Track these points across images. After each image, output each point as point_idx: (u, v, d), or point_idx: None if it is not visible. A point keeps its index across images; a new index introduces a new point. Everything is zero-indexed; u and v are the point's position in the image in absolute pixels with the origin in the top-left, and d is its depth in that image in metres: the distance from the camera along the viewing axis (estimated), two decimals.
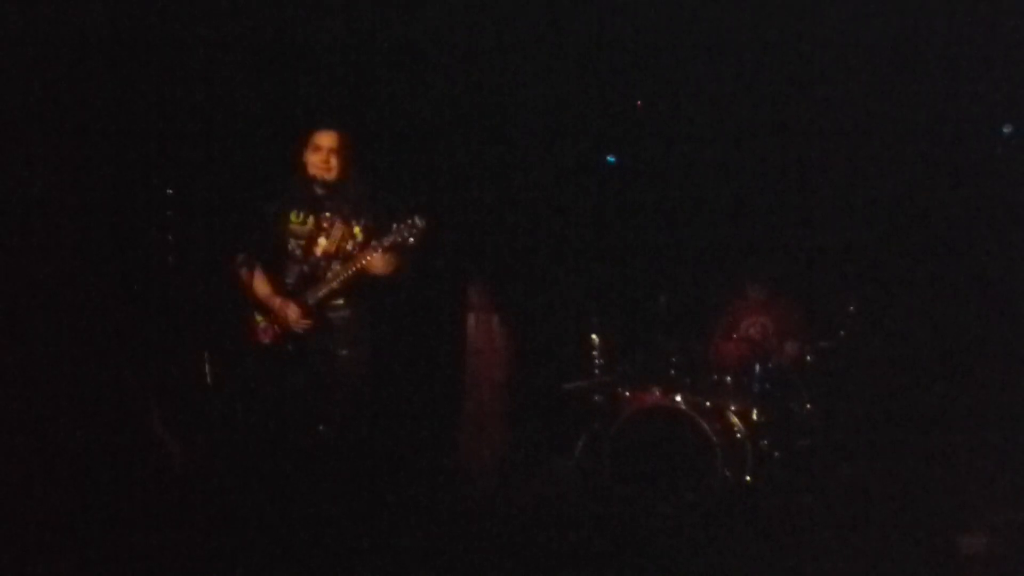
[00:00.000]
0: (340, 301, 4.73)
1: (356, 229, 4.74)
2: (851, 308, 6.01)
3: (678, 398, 5.76)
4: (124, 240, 5.44)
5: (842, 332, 6.01)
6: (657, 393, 5.93)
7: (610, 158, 7.59)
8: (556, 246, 7.30)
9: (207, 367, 5.36)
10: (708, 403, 5.78)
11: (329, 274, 4.69)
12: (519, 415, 6.98)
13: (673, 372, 6.01)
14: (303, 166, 4.73)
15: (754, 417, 5.88)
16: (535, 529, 5.34)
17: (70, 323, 5.16)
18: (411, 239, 4.53)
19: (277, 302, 4.68)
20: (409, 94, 6.38)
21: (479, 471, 6.59)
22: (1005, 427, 6.14)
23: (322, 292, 4.68)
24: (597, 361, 6.30)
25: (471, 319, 7.02)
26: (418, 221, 4.52)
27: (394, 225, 4.57)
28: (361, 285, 4.72)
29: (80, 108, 5.34)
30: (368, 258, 4.59)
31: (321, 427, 4.74)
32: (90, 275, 5.34)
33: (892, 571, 4.60)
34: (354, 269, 4.64)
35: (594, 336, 6.36)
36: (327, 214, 4.73)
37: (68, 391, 5.07)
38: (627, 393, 6.08)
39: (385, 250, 4.56)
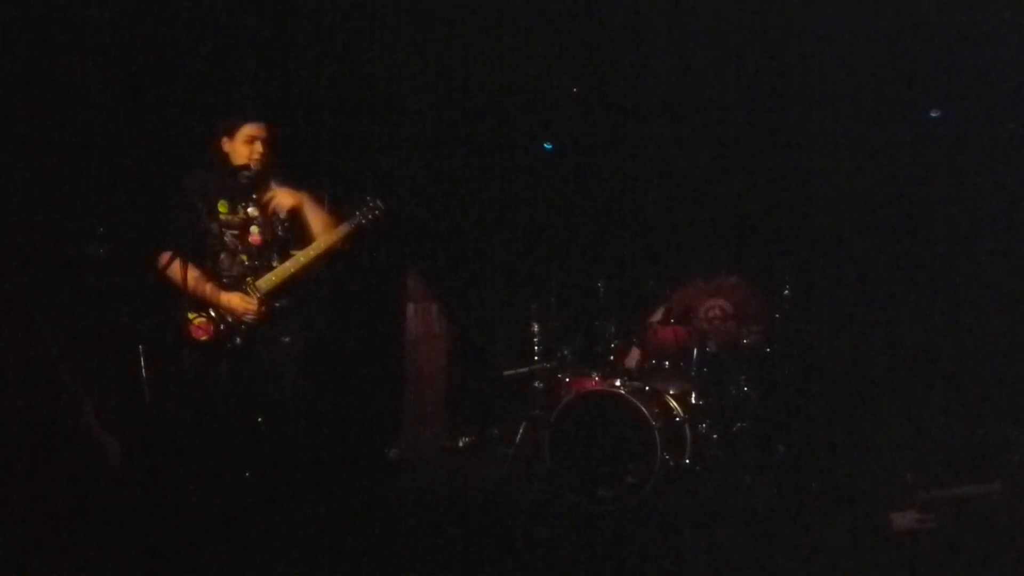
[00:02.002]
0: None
1: (281, 214, 4.69)
2: (785, 291, 6.06)
3: (617, 383, 5.78)
4: (54, 235, 5.33)
5: (776, 315, 6.06)
6: (596, 378, 5.95)
7: (547, 145, 7.57)
8: (494, 234, 7.30)
9: (142, 362, 5.30)
10: (647, 388, 5.81)
11: (275, 263, 4.62)
12: (460, 402, 7.03)
13: (612, 358, 6.02)
14: (225, 156, 4.65)
15: (692, 401, 5.93)
16: (477, 515, 5.38)
17: (2, 321, 5.10)
18: (375, 220, 4.62)
19: (220, 295, 4.57)
20: (342, 83, 6.35)
21: (420, 459, 6.63)
22: (935, 406, 6.29)
23: (275, 279, 4.61)
24: (537, 348, 6.32)
25: (410, 308, 7.04)
26: (380, 203, 4.61)
27: (359, 208, 4.63)
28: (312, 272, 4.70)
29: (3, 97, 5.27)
30: (331, 240, 4.58)
31: (260, 418, 4.67)
32: (20, 272, 5.26)
33: (828, 548, 4.68)
34: (314, 254, 4.61)
35: (534, 323, 6.38)
36: (252, 200, 4.68)
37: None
38: (567, 379, 6.09)
39: (348, 232, 4.57)
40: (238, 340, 4.59)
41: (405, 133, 6.76)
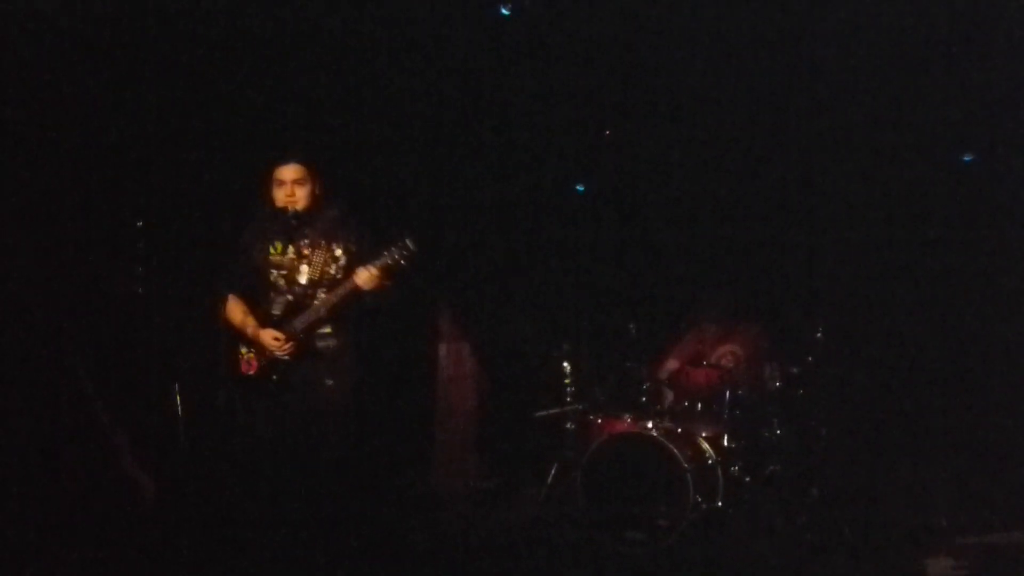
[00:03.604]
0: (327, 329, 4.70)
1: (338, 252, 4.72)
2: (818, 334, 6.02)
3: (649, 425, 5.77)
4: (92, 273, 5.43)
5: (810, 358, 6.01)
6: (628, 420, 5.94)
7: (579, 187, 7.60)
8: (527, 275, 7.32)
9: (178, 400, 5.35)
10: (679, 430, 5.79)
11: (316, 301, 4.67)
12: (491, 443, 7.01)
13: (644, 399, 6.03)
14: (271, 200, 4.72)
15: (725, 443, 5.91)
16: (508, 557, 5.36)
17: (39, 356, 5.15)
18: (402, 261, 4.57)
19: (258, 331, 4.65)
20: (381, 121, 6.41)
21: (452, 499, 6.59)
22: (970, 452, 6.23)
23: (309, 319, 4.65)
24: (568, 388, 6.31)
25: (442, 348, 7.04)
26: (410, 244, 4.55)
27: (387, 248, 4.58)
28: (347, 312, 4.72)
29: (47, 140, 5.34)
30: (358, 281, 4.58)
31: (296, 458, 4.68)
32: (57, 309, 5.32)
33: None
34: (342, 293, 4.63)
35: (565, 364, 6.37)
36: (305, 242, 4.72)
37: (37, 426, 5.04)
38: (598, 420, 6.07)
39: (376, 273, 4.56)
40: (275, 377, 4.65)
41: (438, 174, 6.80)
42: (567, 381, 6.32)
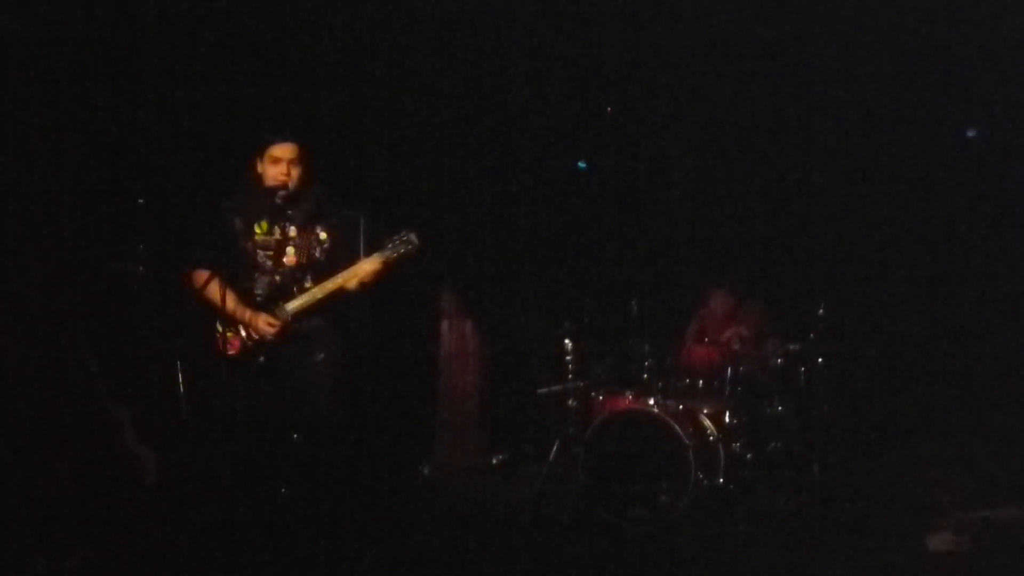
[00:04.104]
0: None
1: (323, 235, 4.72)
2: (819, 311, 6.01)
3: (651, 402, 5.77)
4: (92, 254, 5.47)
5: (811, 335, 6.01)
6: (630, 397, 5.94)
7: (581, 164, 7.58)
8: (529, 252, 7.31)
9: (180, 378, 5.36)
10: (681, 407, 5.78)
11: (308, 285, 4.66)
12: (493, 420, 7.02)
13: (646, 376, 6.02)
14: (259, 177, 4.69)
15: (726, 420, 5.90)
16: (510, 534, 5.37)
17: (41, 335, 5.17)
18: (404, 254, 4.61)
19: (247, 314, 4.63)
20: (379, 101, 6.41)
21: (454, 476, 6.62)
22: (970, 427, 6.21)
23: (302, 302, 4.64)
24: (570, 366, 6.30)
25: (444, 325, 7.04)
26: (414, 237, 4.60)
27: (391, 241, 4.62)
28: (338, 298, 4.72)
29: (44, 120, 5.35)
30: (360, 271, 4.60)
31: (296, 435, 4.71)
32: (59, 290, 5.34)
33: (862, 569, 4.66)
34: (340, 281, 4.62)
35: (567, 341, 6.36)
36: (290, 223, 4.71)
37: (38, 405, 5.06)
38: (600, 397, 6.08)
39: (379, 266, 4.59)
40: (261, 358, 4.64)
41: (439, 151, 6.79)
42: (569, 358, 6.31)
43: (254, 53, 5.87)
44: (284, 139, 4.67)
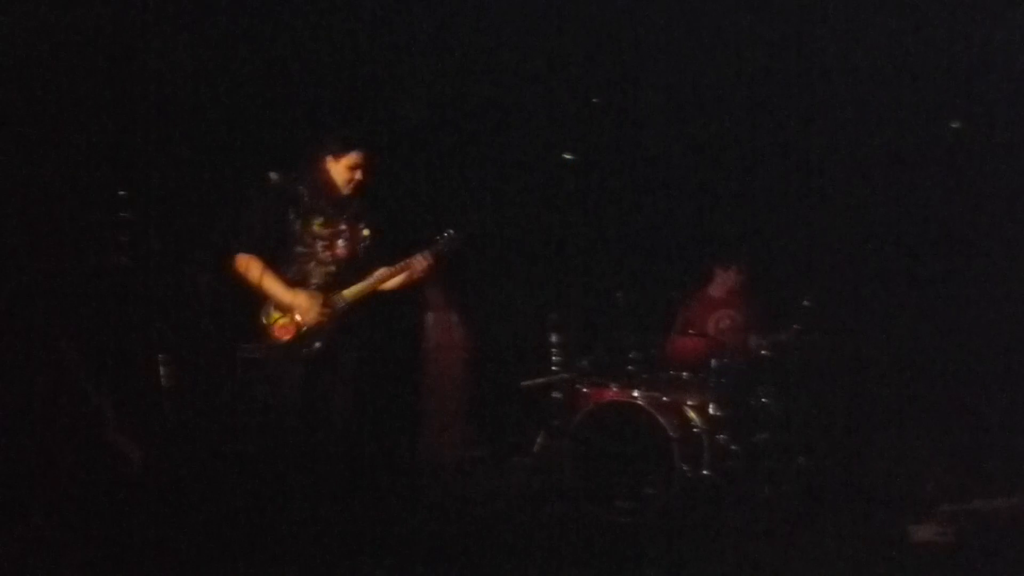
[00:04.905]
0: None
1: (365, 231, 4.90)
2: (805, 302, 6.02)
3: (636, 394, 5.78)
4: (76, 244, 5.40)
5: (796, 326, 6.03)
6: (615, 389, 5.95)
7: (567, 155, 7.57)
8: (513, 243, 7.28)
9: (162, 370, 5.35)
10: (665, 398, 5.79)
11: (359, 276, 4.81)
12: (478, 412, 7.00)
13: (631, 368, 6.03)
14: (326, 174, 4.82)
15: (711, 412, 5.91)
16: (494, 526, 5.38)
17: (22, 327, 5.11)
18: (452, 250, 4.94)
19: (301, 298, 4.71)
20: (363, 93, 6.37)
21: (438, 469, 6.58)
22: (954, 420, 6.25)
23: (358, 290, 4.79)
24: (555, 358, 6.30)
25: (429, 317, 7.00)
26: (457, 236, 4.93)
27: (437, 238, 4.92)
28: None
29: (27, 109, 5.29)
30: (414, 267, 4.82)
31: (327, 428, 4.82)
32: (42, 281, 5.27)
33: (846, 560, 4.68)
34: (390, 275, 4.83)
35: (552, 333, 6.36)
36: (341, 217, 4.86)
37: (21, 397, 5.00)
38: (585, 389, 6.09)
39: (430, 261, 4.84)
40: (317, 344, 4.71)
41: (421, 143, 6.76)
42: (554, 350, 6.31)
43: (239, 48, 5.89)
44: (362, 147, 4.83)
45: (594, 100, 7.13)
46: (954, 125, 6.75)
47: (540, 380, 6.39)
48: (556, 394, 6.25)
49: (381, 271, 4.84)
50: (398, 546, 4.84)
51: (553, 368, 6.34)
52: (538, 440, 6.18)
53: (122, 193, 5.24)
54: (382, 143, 5.33)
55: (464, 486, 6.30)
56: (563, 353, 6.34)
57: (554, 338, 6.35)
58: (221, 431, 5.23)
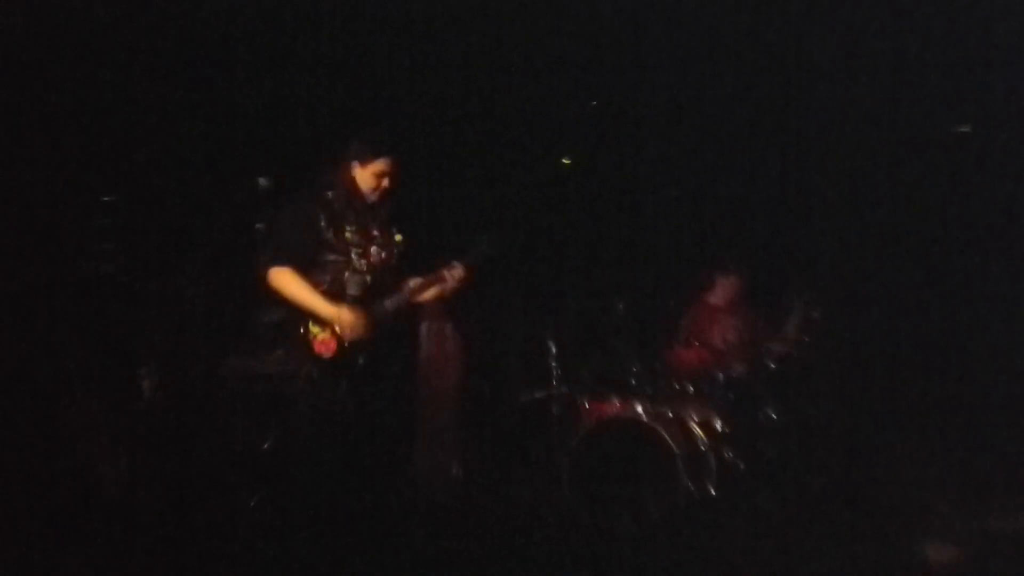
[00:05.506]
0: None
1: (398, 237, 4.80)
2: (815, 313, 5.94)
3: (638, 408, 5.69)
4: (59, 249, 5.38)
5: (806, 337, 5.94)
6: (616, 403, 5.86)
7: (565, 160, 7.49)
8: (510, 252, 7.17)
9: (145, 384, 5.29)
10: (669, 413, 5.71)
11: (396, 285, 4.71)
12: (474, 427, 6.84)
13: (633, 381, 5.93)
14: (352, 180, 4.69)
15: (717, 427, 5.82)
16: (493, 546, 5.26)
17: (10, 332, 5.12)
18: (486, 259, 4.88)
19: (342, 312, 4.54)
20: (360, 98, 6.35)
21: (432, 486, 6.43)
22: (971, 434, 6.16)
23: (398, 303, 4.69)
24: (554, 370, 6.19)
25: (423, 328, 6.86)
26: (489, 246, 4.88)
27: (472, 248, 4.85)
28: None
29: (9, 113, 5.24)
30: (450, 277, 4.75)
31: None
32: (24, 286, 5.24)
33: None
34: (426, 284, 4.74)
35: (550, 343, 6.24)
36: (373, 223, 4.75)
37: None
38: (585, 404, 6.00)
39: (465, 272, 4.76)
40: (361, 359, 4.58)
41: (418, 150, 6.65)
42: (552, 360, 6.19)
43: (226, 47, 5.79)
44: (389, 154, 4.72)
45: (592, 102, 7.06)
46: (963, 129, 6.63)
47: (539, 395, 6.29)
48: (555, 409, 6.13)
49: (414, 282, 4.74)
50: (392, 563, 4.76)
51: (552, 381, 6.22)
52: (538, 455, 6.09)
53: (106, 200, 5.25)
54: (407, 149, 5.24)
55: (459, 504, 6.16)
56: (562, 365, 6.23)
57: (553, 348, 6.23)
58: (217, 447, 5.20)
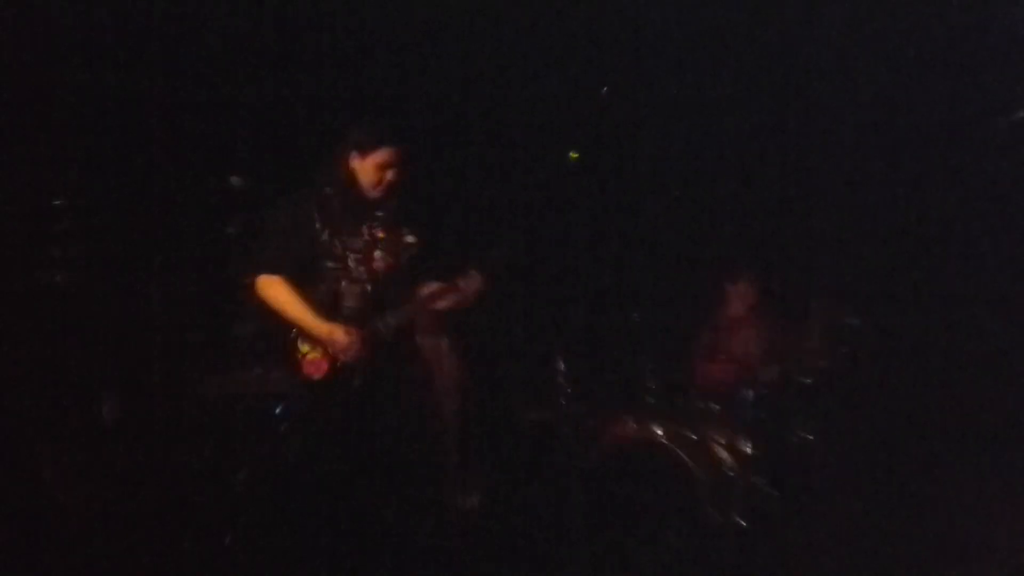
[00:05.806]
0: None
1: (409, 238, 4.46)
2: (854, 321, 5.67)
3: (657, 429, 5.51)
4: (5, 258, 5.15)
5: (844, 349, 5.67)
6: (632, 424, 5.63)
7: (572, 154, 7.21)
8: (514, 259, 6.94)
9: (104, 408, 5.13)
10: (692, 434, 5.49)
11: (397, 293, 4.36)
12: (477, 448, 6.57)
13: (650, 399, 5.78)
14: (352, 174, 4.34)
15: (745, 449, 5.56)
16: (499, 568, 5.13)
17: None
18: (503, 268, 4.57)
19: (333, 329, 4.20)
20: (359, 95, 6.21)
21: (434, 509, 5.92)
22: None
23: (403, 318, 4.36)
24: (563, 388, 5.79)
25: (417, 342, 6.57)
26: (508, 255, 4.61)
27: (490, 257, 4.54)
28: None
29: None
30: (466, 288, 4.43)
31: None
32: None
33: None
34: (456, 300, 4.43)
35: (559, 359, 5.83)
36: (377, 224, 4.40)
37: None
38: (598, 424, 5.80)
39: (482, 283, 4.46)
40: (357, 382, 4.23)
41: (423, 153, 6.42)
42: (561, 380, 5.80)
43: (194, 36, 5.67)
44: (392, 143, 4.35)
45: (603, 89, 6.81)
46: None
47: (546, 414, 6.01)
48: (566, 429, 5.78)
49: (427, 291, 4.40)
50: None
51: (561, 400, 5.80)
52: (546, 480, 5.82)
53: (57, 203, 5.02)
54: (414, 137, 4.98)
55: (460, 529, 5.88)
56: (572, 382, 5.82)
57: (562, 365, 5.81)
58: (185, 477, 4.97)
